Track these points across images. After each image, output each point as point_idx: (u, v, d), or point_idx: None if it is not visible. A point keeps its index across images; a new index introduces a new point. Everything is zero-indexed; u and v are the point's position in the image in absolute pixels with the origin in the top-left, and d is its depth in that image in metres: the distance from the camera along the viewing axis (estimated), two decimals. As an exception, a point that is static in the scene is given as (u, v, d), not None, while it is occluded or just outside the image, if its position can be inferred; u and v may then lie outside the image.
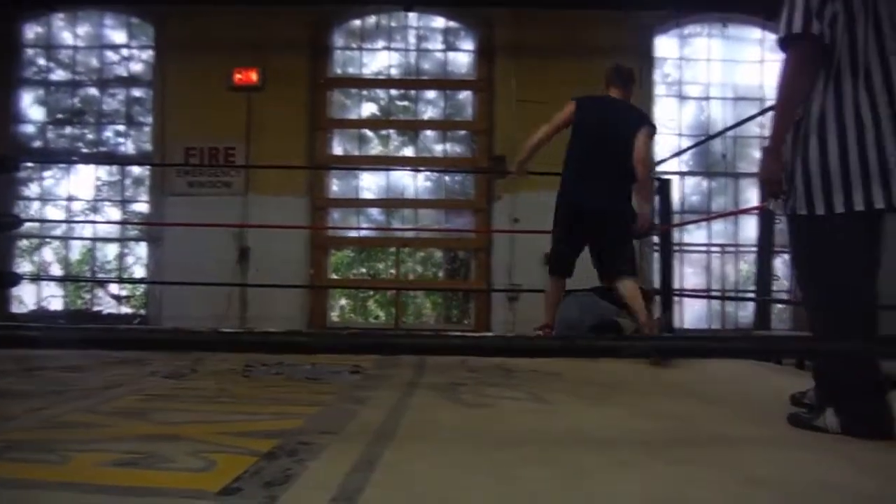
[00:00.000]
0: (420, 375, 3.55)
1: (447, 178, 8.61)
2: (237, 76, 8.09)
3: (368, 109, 8.76)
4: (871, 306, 2.25)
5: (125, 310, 8.50)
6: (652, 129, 4.68)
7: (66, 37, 8.69)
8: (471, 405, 2.77)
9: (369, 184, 8.62)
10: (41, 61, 8.62)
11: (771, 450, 2.12)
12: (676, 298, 6.91)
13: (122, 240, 8.60)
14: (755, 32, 8.66)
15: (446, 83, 8.68)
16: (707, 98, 8.63)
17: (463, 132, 8.67)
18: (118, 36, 8.73)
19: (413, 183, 8.55)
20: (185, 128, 8.04)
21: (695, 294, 8.04)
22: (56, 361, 3.68)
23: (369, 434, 2.18)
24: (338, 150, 8.58)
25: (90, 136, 8.60)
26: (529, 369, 3.79)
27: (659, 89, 8.52)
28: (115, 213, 8.61)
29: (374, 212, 8.71)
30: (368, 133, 8.73)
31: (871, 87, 2.14)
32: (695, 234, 8.45)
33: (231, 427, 2.28)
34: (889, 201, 2.12)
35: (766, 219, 6.01)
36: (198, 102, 8.01)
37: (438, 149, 8.65)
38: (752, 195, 8.29)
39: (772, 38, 8.61)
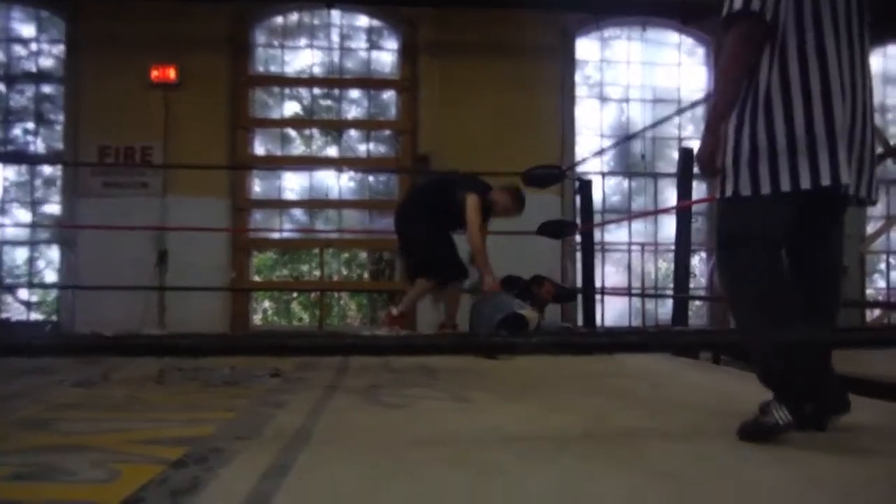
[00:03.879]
0: (341, 378, 3.51)
1: (371, 178, 8.55)
2: (154, 73, 7.85)
3: (291, 108, 8.65)
4: (792, 293, 2.22)
5: (36, 316, 8.15)
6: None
7: (-29, 30, 8.30)
8: (389, 406, 2.75)
9: (292, 184, 8.50)
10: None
11: (676, 444, 2.16)
12: (598, 296, 7.02)
13: (32, 243, 8.25)
14: (673, 36, 8.88)
15: (370, 82, 8.62)
16: (627, 100, 8.81)
17: (387, 132, 8.63)
18: (27, 30, 8.37)
19: (337, 183, 8.47)
20: (100, 126, 7.76)
21: (615, 292, 8.18)
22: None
23: (285, 438, 2.13)
24: (260, 149, 8.43)
25: (-3, 134, 8.23)
26: (454, 369, 3.79)
27: (580, 90, 8.65)
28: (24, 216, 8.24)
29: (298, 213, 8.60)
30: (291, 132, 8.61)
31: (825, 65, 2.11)
32: (616, 234, 8.61)
33: (140, 435, 2.20)
34: (836, 178, 2.07)
35: (683, 218, 6.14)
36: (113, 100, 7.75)
37: (362, 149, 8.59)
38: (671, 195, 8.49)
39: (689, 42, 8.88)
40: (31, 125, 8.23)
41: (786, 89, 2.12)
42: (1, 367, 3.74)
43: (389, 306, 4.82)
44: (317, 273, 8.40)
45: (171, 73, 7.86)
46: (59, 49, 8.20)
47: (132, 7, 7.72)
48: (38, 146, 8.28)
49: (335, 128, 8.62)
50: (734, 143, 2.18)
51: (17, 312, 8.11)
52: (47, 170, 8.29)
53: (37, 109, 8.23)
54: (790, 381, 2.17)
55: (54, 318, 7.95)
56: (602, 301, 7.89)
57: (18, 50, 8.31)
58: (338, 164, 8.47)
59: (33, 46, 8.33)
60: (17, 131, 8.22)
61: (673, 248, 7.87)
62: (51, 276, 8.15)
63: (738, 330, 2.39)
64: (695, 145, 7.27)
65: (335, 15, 8.57)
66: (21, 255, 8.19)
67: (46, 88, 8.27)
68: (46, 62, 8.30)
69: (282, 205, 8.47)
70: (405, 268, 5.78)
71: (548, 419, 2.50)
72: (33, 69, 8.29)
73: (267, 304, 8.72)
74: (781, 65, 2.14)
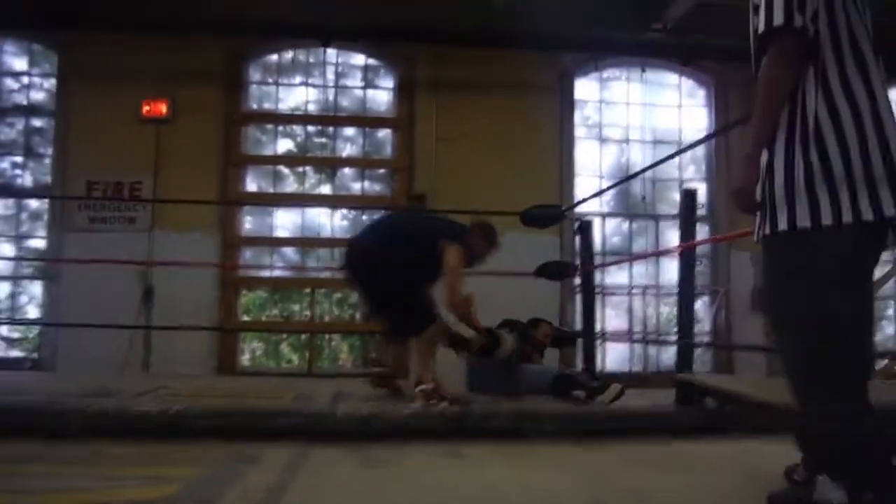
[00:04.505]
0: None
1: (365, 217, 8.36)
2: (145, 108, 7.72)
3: (284, 145, 8.49)
4: (866, 350, 2.00)
5: (15, 353, 7.87)
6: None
7: (-38, 63, 8.17)
8: (375, 462, 2.51)
9: (284, 222, 8.30)
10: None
11: None
12: (599, 341, 6.79)
13: (15, 278, 8.00)
14: (673, 78, 8.79)
15: (365, 120, 8.49)
16: (627, 141, 8.68)
17: (382, 170, 8.46)
18: (19, 63, 8.24)
19: (330, 221, 8.28)
20: (89, 160, 7.59)
21: (617, 337, 7.95)
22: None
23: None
24: (252, 186, 8.25)
25: (-15, 167, 8.05)
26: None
27: (579, 131, 8.52)
28: (8, 249, 8.01)
29: (289, 251, 8.38)
30: (284, 170, 8.43)
31: (871, 87, 1.94)
32: (616, 276, 8.41)
33: (94, 496, 1.96)
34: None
35: (687, 260, 5.95)
36: (103, 134, 7.59)
37: (356, 187, 8.42)
38: (672, 237, 8.32)
39: (689, 83, 8.77)
40: (19, 158, 8.04)
41: (834, 113, 1.92)
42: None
43: (419, 385, 3.99)
44: (307, 313, 8.15)
45: (163, 108, 7.73)
46: (51, 83, 8.07)
47: (125, 41, 7.61)
48: (26, 179, 8.09)
49: (329, 165, 8.45)
50: (785, 173, 1.95)
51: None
52: (34, 203, 8.08)
53: (26, 143, 8.06)
54: (856, 462, 1.90)
55: (35, 355, 7.67)
56: (603, 345, 7.67)
57: (10, 83, 8.17)
58: (331, 202, 8.29)
59: (25, 80, 8.19)
60: (4, 164, 8.03)
61: (675, 291, 7.73)
62: (34, 313, 7.89)
63: (798, 392, 2.05)
64: (697, 185, 7.14)
65: (331, 53, 8.46)
66: (3, 289, 7.92)
67: (37, 122, 8.11)
68: (38, 95, 8.17)
69: (273, 242, 8.26)
70: (373, 319, 4.71)
71: (547, 479, 2.27)
72: (24, 102, 8.13)
73: (255, 344, 8.44)
74: (825, 86, 1.94)
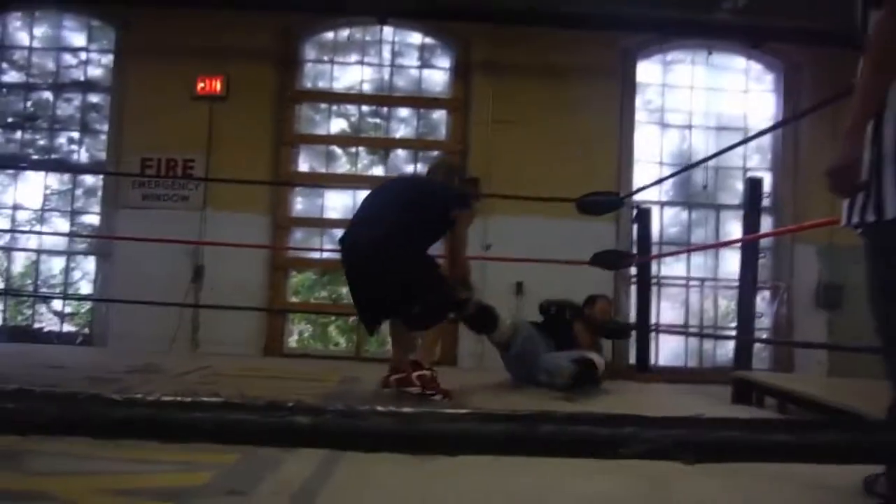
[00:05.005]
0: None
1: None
2: (200, 85, 7.69)
3: (338, 125, 8.38)
4: None
5: (68, 328, 7.95)
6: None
7: (22, 37, 8.25)
8: (413, 459, 2.35)
9: (335, 203, 8.20)
10: (-6, 62, 8.16)
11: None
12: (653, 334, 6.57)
13: (69, 253, 8.08)
14: (740, 61, 8.43)
15: (420, 101, 8.33)
16: (689, 126, 8.35)
17: (436, 152, 8.31)
18: (77, 39, 8.30)
19: (381, 203, 8.15)
20: (143, 137, 7.60)
21: (673, 330, 7.69)
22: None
23: (284, 498, 1.76)
24: (303, 166, 8.18)
25: (41, 143, 8.12)
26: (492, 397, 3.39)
27: (640, 116, 8.22)
28: (63, 225, 8.09)
29: (340, 233, 8.27)
30: (337, 150, 8.33)
31: None
32: (672, 267, 8.13)
33: (115, 482, 1.85)
34: None
35: (750, 252, 5.68)
36: (157, 111, 7.58)
37: (410, 169, 8.28)
38: (732, 228, 8.00)
39: (757, 68, 8.40)
40: (75, 134, 8.10)
41: None
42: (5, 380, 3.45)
43: (406, 369, 3.86)
44: (356, 296, 8.05)
45: (218, 86, 7.69)
46: (108, 59, 8.10)
47: (181, 18, 7.59)
48: (82, 156, 8.14)
49: (382, 146, 8.33)
50: None
51: (50, 323, 7.92)
52: (89, 179, 8.14)
53: (82, 119, 8.11)
54: None
55: (86, 330, 7.74)
56: (657, 339, 7.42)
57: (68, 58, 8.22)
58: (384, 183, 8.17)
59: (83, 55, 8.23)
60: (61, 140, 8.10)
61: (733, 284, 7.45)
62: (86, 288, 7.96)
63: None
64: (762, 175, 6.82)
65: (387, 31, 8.32)
66: (58, 264, 8.02)
67: (93, 98, 8.15)
68: (95, 71, 8.20)
69: (323, 224, 8.18)
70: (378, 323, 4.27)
71: (602, 484, 2.09)
72: (81, 78, 8.18)
73: (303, 326, 8.39)
74: None
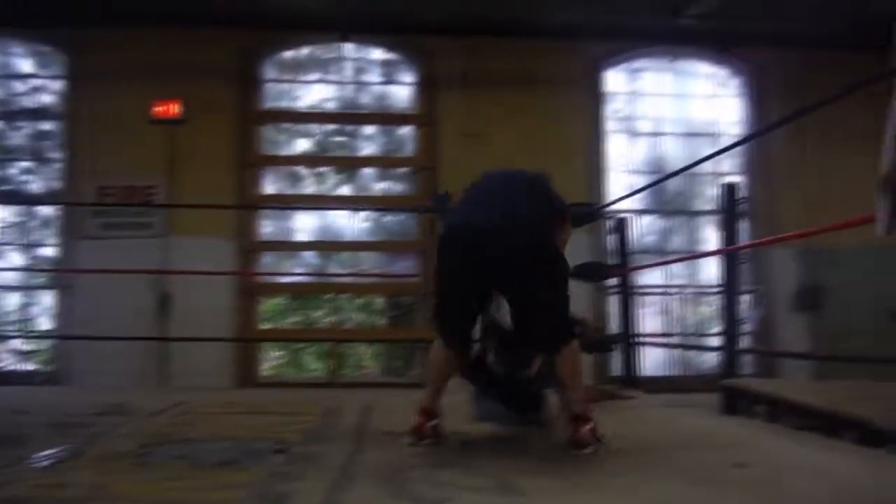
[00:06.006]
0: (358, 453, 2.93)
1: (388, 218, 8.03)
2: (157, 108, 7.44)
3: (302, 145, 8.18)
4: None
5: (30, 366, 7.58)
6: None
7: (-31, 67, 7.92)
8: (415, 500, 2.16)
9: (304, 225, 7.97)
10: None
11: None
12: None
13: (26, 288, 7.72)
14: (706, 67, 8.42)
15: (386, 117, 8.18)
16: (659, 133, 8.29)
17: (404, 169, 8.13)
18: (26, 65, 7.98)
19: (351, 224, 7.94)
20: (100, 164, 7.31)
21: (659, 343, 7.56)
22: None
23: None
24: (269, 188, 7.94)
25: (-7, 172, 7.79)
26: (493, 436, 3.21)
27: (609, 125, 8.16)
28: (19, 259, 7.74)
29: (309, 255, 8.07)
30: (302, 170, 8.11)
31: None
32: (649, 275, 8.02)
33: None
34: None
35: (731, 261, 5.57)
36: (114, 137, 7.30)
37: (378, 187, 8.09)
38: (709, 232, 7.95)
39: (723, 73, 8.38)
40: (28, 164, 7.78)
41: None
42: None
43: (579, 422, 2.94)
44: (330, 320, 7.82)
45: (176, 109, 7.46)
46: (60, 85, 7.80)
47: (135, 40, 7.35)
48: (36, 185, 7.82)
49: (349, 165, 8.13)
50: None
51: (10, 362, 7.54)
52: (44, 210, 7.80)
53: (35, 147, 7.79)
54: None
55: (49, 368, 7.38)
56: (640, 350, 7.28)
57: (17, 86, 7.91)
58: (352, 203, 7.97)
59: (33, 82, 7.92)
60: (13, 170, 7.77)
61: (714, 290, 7.38)
62: (47, 324, 7.60)
63: None
64: (738, 180, 6.76)
65: (349, 48, 8.14)
66: (15, 300, 7.65)
67: (45, 125, 7.83)
68: (46, 98, 7.89)
69: (292, 247, 7.96)
70: (513, 334, 3.29)
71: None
72: (32, 105, 7.86)
73: (277, 353, 8.13)
74: None
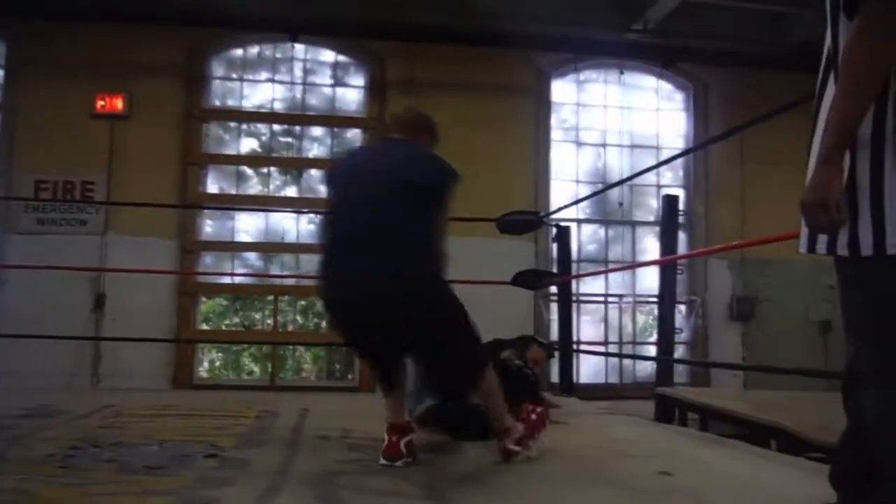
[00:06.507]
0: (292, 458, 2.92)
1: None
2: (100, 103, 7.32)
3: (248, 145, 8.10)
4: None
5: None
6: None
7: None
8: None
9: (247, 226, 7.89)
10: None
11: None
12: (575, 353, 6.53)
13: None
14: (651, 81, 8.59)
15: (334, 120, 8.15)
16: (604, 145, 8.43)
17: (349, 171, 8.10)
18: (-36, 54, 7.75)
19: (295, 226, 7.88)
20: (37, 158, 7.15)
21: (596, 351, 7.69)
22: None
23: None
24: (213, 187, 7.85)
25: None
26: (427, 441, 3.22)
27: (556, 134, 8.27)
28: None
29: (252, 256, 7.98)
30: (247, 170, 8.03)
31: None
32: (591, 284, 8.15)
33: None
34: None
35: (668, 271, 5.71)
36: (53, 130, 7.16)
37: (323, 189, 8.04)
38: (649, 243, 8.12)
39: (667, 87, 8.56)
40: (-38, 155, 7.54)
41: None
42: None
43: (503, 434, 2.91)
44: (270, 322, 7.75)
45: (119, 104, 7.34)
46: (0, 74, 7.58)
47: (80, 31, 7.24)
48: (-31, 178, 7.58)
49: (295, 166, 8.08)
50: (871, 181, 1.51)
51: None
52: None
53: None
54: None
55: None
56: (577, 357, 7.40)
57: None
58: (297, 205, 7.92)
59: (-30, 71, 7.69)
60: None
61: (651, 299, 7.54)
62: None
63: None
64: (678, 193, 6.92)
65: (299, 49, 8.10)
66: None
67: (-18, 115, 7.61)
68: (-17, 88, 7.66)
69: (234, 247, 7.87)
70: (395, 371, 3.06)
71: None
72: (-32, 95, 7.64)
73: (214, 354, 8.02)
74: None
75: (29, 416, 3.75)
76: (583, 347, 7.42)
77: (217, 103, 7.96)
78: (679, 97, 8.61)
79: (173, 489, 2.34)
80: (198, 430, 3.49)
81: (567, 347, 6.04)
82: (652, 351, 7.53)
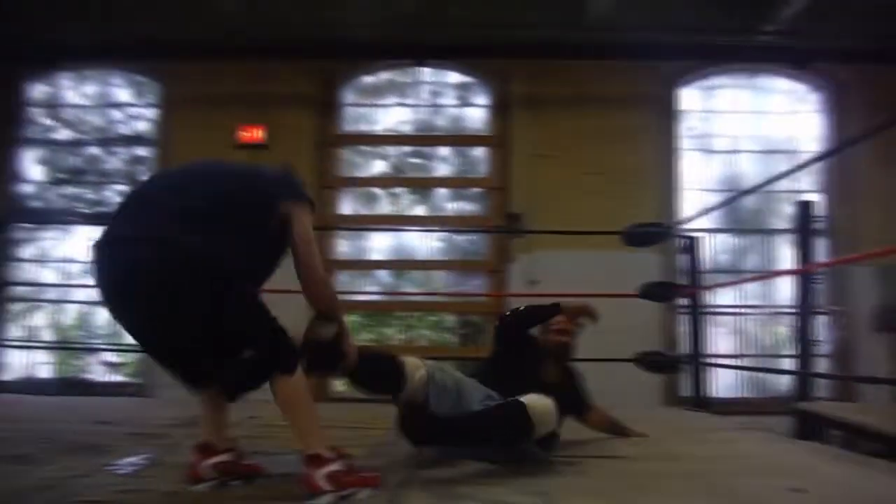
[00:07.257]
0: (414, 470, 3.04)
1: (460, 238, 8.18)
2: (243, 134, 7.80)
3: (379, 167, 8.42)
4: None
5: (118, 378, 8.00)
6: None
7: (72, 96, 8.49)
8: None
9: (379, 245, 8.20)
10: (45, 121, 8.39)
11: None
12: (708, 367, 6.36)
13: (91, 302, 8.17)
14: (784, 83, 8.27)
15: (460, 139, 8.34)
16: (735, 151, 8.18)
17: (477, 190, 8.26)
18: (124, 94, 8.51)
19: (424, 243, 8.12)
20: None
21: (731, 365, 7.43)
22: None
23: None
24: (346, 209, 8.20)
25: (90, 196, 8.30)
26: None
27: (684, 143, 8.09)
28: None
29: (383, 274, 8.28)
30: (378, 191, 8.35)
31: None
32: (722, 295, 7.90)
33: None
34: None
35: (805, 280, 5.48)
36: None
37: (451, 207, 8.25)
38: (785, 251, 7.79)
39: (800, 88, 8.22)
40: (123, 187, 8.25)
41: None
42: (52, 440, 3.47)
43: (311, 464, 2.45)
44: (401, 337, 8.00)
45: (260, 134, 7.80)
46: (154, 112, 8.27)
47: (222, 69, 7.74)
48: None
49: (423, 185, 8.33)
50: None
51: (100, 374, 8.00)
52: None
53: (129, 171, 8.27)
54: None
55: (138, 380, 7.77)
56: (712, 370, 7.20)
57: (115, 114, 8.43)
58: (426, 223, 8.15)
59: (130, 110, 8.43)
60: (109, 193, 8.26)
61: (789, 310, 7.20)
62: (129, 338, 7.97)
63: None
64: (813, 197, 6.62)
65: (425, 72, 8.36)
66: (103, 316, 8.10)
67: (139, 151, 8.31)
68: (141, 125, 8.37)
69: (367, 266, 8.18)
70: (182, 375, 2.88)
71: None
72: (128, 132, 8.37)
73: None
74: None
75: (182, 426, 4.08)
76: (715, 361, 7.18)
77: (349, 129, 8.31)
78: (814, 98, 8.23)
79: (305, 494, 2.51)
80: (332, 440, 3.68)
81: (699, 360, 5.90)
82: (789, 365, 7.20)
